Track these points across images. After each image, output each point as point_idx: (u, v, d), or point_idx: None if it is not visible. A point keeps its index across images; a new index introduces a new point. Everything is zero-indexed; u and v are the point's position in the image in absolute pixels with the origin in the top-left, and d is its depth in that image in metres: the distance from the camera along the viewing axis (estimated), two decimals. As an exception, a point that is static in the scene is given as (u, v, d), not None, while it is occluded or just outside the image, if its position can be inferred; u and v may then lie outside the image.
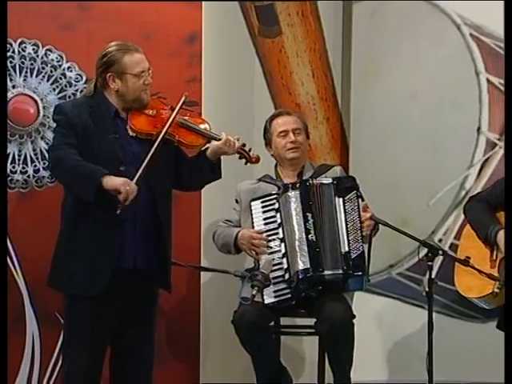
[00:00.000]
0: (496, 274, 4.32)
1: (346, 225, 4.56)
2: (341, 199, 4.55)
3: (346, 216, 4.58)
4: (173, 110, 4.25)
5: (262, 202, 4.67)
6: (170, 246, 4.32)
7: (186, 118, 4.30)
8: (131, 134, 4.17)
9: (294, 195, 4.57)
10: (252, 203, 4.69)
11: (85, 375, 4.14)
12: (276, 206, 4.63)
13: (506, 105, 4.43)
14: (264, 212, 4.69)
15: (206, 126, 4.38)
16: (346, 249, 4.50)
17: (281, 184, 4.75)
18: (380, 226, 4.73)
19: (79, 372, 4.14)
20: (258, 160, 4.50)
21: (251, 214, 4.69)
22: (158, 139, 4.12)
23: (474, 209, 4.66)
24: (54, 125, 4.31)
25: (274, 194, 4.68)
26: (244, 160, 4.45)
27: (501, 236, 4.45)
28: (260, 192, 4.74)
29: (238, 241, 4.69)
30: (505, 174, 4.32)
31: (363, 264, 4.54)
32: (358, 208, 4.57)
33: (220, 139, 4.29)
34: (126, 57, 4.13)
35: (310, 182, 4.64)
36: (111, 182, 3.99)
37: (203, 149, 4.36)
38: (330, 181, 4.61)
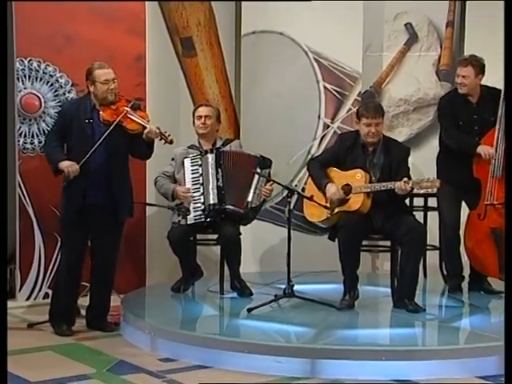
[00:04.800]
0: (329, 206, 5.00)
1: (255, 187, 5.41)
2: (259, 169, 5.41)
3: (257, 181, 5.44)
4: (126, 106, 4.83)
5: (191, 160, 5.50)
6: (128, 189, 4.93)
7: (132, 112, 4.89)
8: (102, 120, 4.86)
9: (211, 157, 5.46)
10: (185, 160, 5.48)
11: (73, 265, 4.94)
12: (199, 162, 5.45)
13: (506, 104, 4.56)
14: (191, 166, 5.50)
15: (144, 115, 4.94)
16: (250, 199, 5.38)
17: (202, 150, 5.55)
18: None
19: (70, 263, 4.93)
20: (172, 141, 4.96)
21: (183, 168, 5.45)
22: (110, 128, 4.77)
23: (312, 167, 5.29)
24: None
25: (198, 155, 5.46)
26: (163, 141, 4.97)
27: (327, 188, 5.04)
28: (189, 154, 5.52)
29: (174, 194, 5.47)
30: (506, 172, 4.55)
31: (256, 212, 5.47)
32: (267, 180, 5.37)
33: (146, 128, 4.87)
34: (96, 71, 4.84)
35: (224, 150, 5.45)
36: (61, 165, 4.80)
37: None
38: (258, 155, 5.45)
